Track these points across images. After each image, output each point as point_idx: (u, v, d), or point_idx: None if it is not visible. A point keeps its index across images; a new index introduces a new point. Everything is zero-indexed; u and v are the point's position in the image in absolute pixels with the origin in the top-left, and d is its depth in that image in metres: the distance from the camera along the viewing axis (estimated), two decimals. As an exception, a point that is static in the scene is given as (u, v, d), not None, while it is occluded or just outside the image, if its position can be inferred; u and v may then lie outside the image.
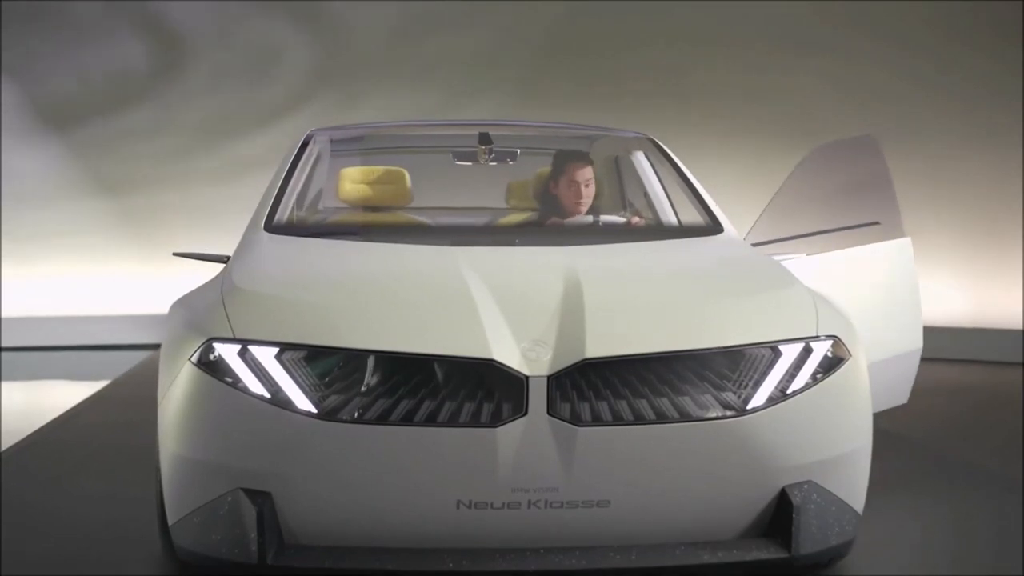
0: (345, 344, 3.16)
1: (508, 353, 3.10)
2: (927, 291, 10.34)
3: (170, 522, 3.33)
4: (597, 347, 3.13)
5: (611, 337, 3.18)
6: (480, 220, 5.67)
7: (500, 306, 3.27)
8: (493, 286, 3.39)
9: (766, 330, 3.32)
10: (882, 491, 4.81)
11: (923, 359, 10.12)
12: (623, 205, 5.61)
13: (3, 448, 5.83)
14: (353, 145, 5.62)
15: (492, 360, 3.08)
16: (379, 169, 5.15)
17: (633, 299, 3.40)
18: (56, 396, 8.55)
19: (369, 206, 5.13)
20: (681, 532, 3.24)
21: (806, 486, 3.28)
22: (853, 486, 3.45)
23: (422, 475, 3.10)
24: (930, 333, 10.11)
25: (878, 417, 3.83)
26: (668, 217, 4.99)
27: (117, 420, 6.31)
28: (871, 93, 10.56)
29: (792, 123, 10.56)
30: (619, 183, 5.62)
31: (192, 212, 10.67)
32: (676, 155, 5.10)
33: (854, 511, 3.44)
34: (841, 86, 10.65)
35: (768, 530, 3.29)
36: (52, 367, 10.15)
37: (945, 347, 10.04)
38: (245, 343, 3.19)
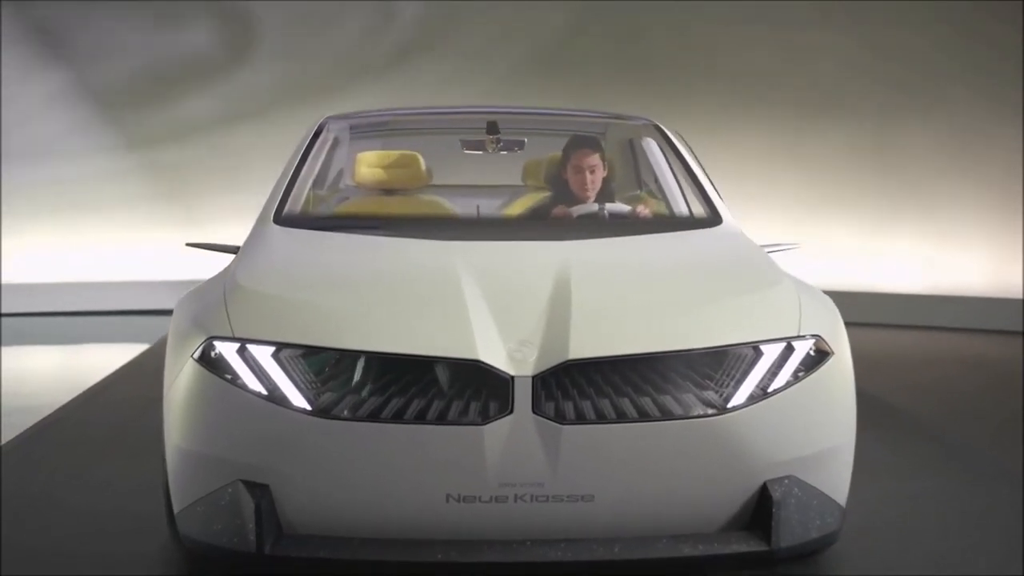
0: (339, 345, 3.27)
1: (495, 354, 3.21)
2: (945, 260, 10.51)
3: (175, 511, 3.47)
4: (580, 348, 3.22)
5: (594, 338, 3.26)
6: (494, 201, 5.77)
7: (490, 306, 3.37)
8: (485, 285, 3.49)
9: (748, 331, 3.38)
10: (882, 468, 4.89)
11: (933, 327, 10.10)
12: (638, 185, 5.68)
13: (32, 423, 6.08)
14: (367, 131, 5.72)
15: (479, 361, 3.18)
16: (394, 153, 5.25)
17: (619, 300, 3.48)
18: (99, 359, 8.85)
19: (384, 189, 5.25)
20: (664, 526, 3.32)
21: (787, 481, 3.36)
22: (836, 480, 3.52)
23: (413, 470, 3.21)
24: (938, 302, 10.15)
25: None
26: (676, 203, 5.03)
27: (146, 395, 6.51)
28: (892, 67, 10.62)
29: (818, 98, 10.64)
30: (634, 164, 5.68)
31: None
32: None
33: (837, 504, 3.51)
34: (865, 61, 10.68)
35: (750, 523, 3.37)
36: (95, 331, 10.47)
37: (955, 316, 10.14)
38: (244, 342, 3.32)
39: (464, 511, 3.23)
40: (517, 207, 5.38)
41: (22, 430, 5.91)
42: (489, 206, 5.72)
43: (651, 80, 10.93)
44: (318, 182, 5.51)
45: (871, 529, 4.25)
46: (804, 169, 10.87)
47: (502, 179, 6.38)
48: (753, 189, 10.84)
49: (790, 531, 3.35)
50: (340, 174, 5.97)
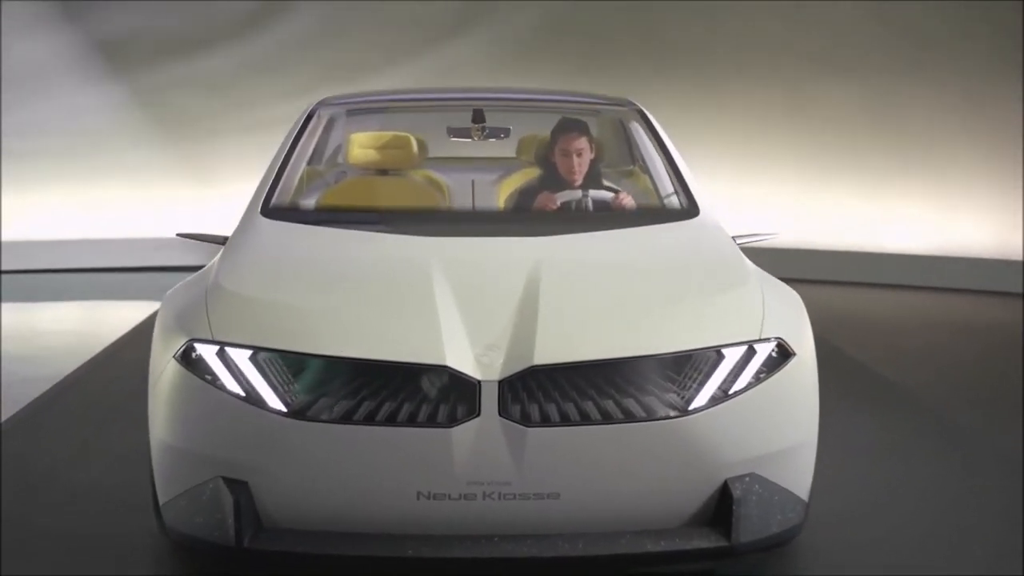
0: (313, 350, 3.39)
1: (462, 359, 3.32)
2: (946, 221, 10.56)
3: (160, 502, 3.63)
4: (545, 354, 3.33)
5: (559, 344, 3.36)
6: (488, 176, 5.85)
7: (460, 309, 3.48)
8: (457, 287, 3.60)
9: (710, 335, 3.47)
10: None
11: (933, 288, 10.11)
12: (632, 160, 5.74)
13: (52, 384, 6.30)
14: (359, 114, 5.80)
15: (446, 367, 3.30)
16: (387, 135, 5.34)
17: (585, 304, 3.57)
18: (116, 315, 9.06)
19: (378, 169, 5.36)
20: (628, 522, 3.44)
21: (748, 479, 3.46)
22: (798, 476, 3.63)
23: (385, 469, 3.34)
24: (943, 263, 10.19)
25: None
26: (662, 185, 5.08)
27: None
28: (895, 29, 10.60)
29: (821, 61, 10.65)
30: (627, 140, 5.74)
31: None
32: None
33: (799, 499, 3.62)
34: (869, 23, 10.66)
35: (712, 519, 3.48)
36: (111, 288, 10.65)
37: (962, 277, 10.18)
38: (222, 345, 3.45)
39: (434, 508, 3.36)
40: (509, 184, 5.46)
41: (48, 387, 6.21)
42: (483, 181, 5.80)
43: (656, 42, 10.94)
44: (316, 157, 5.63)
45: (848, 515, 4.34)
46: (807, 130, 10.89)
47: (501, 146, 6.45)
48: (757, 150, 10.89)
49: (750, 527, 3.46)
50: (338, 150, 6.07)
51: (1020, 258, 10.10)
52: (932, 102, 10.57)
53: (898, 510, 4.48)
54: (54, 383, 6.34)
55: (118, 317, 8.83)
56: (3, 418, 5.62)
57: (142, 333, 7.55)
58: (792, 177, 10.91)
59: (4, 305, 9.51)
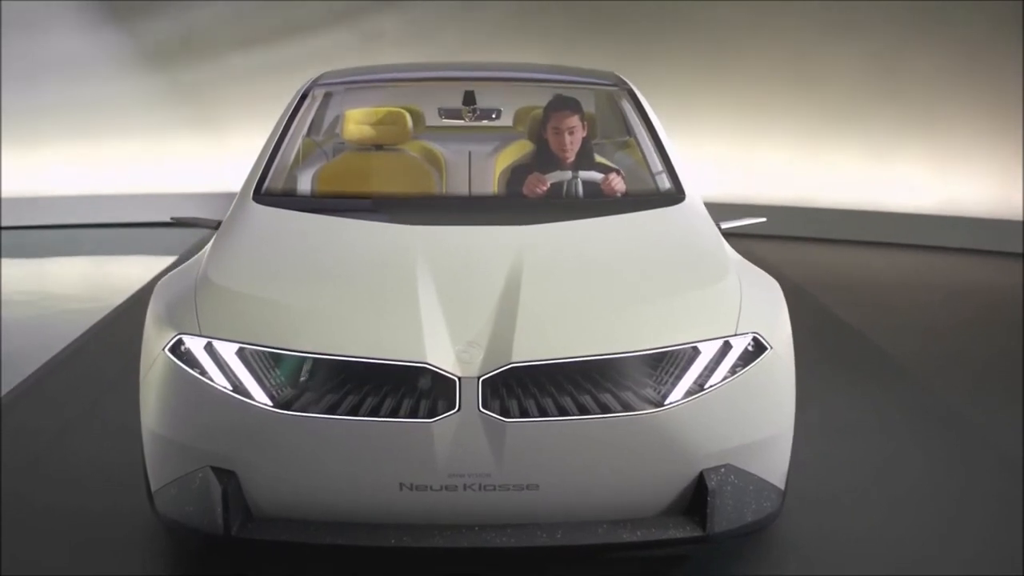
0: (299, 348, 3.47)
1: (443, 356, 3.40)
2: (948, 181, 10.54)
3: (152, 489, 3.74)
4: (523, 352, 3.40)
5: (537, 342, 3.44)
6: (484, 147, 5.89)
7: (443, 306, 3.56)
8: (440, 281, 3.68)
9: (687, 332, 3.54)
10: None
11: (934, 247, 9.99)
12: (627, 131, 5.76)
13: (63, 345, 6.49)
14: (355, 90, 5.83)
15: (427, 364, 3.38)
16: (381, 111, 5.38)
17: (564, 301, 3.63)
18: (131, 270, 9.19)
19: (374, 144, 5.41)
20: (606, 512, 3.54)
21: (723, 470, 3.55)
22: (774, 466, 3.71)
23: (368, 461, 3.44)
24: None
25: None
26: (653, 162, 5.10)
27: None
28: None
29: (822, 20, 10.58)
30: (621, 114, 5.75)
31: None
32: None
33: (775, 488, 3.70)
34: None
35: (688, 509, 3.57)
36: (127, 243, 10.76)
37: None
38: (210, 339, 3.54)
39: (417, 499, 3.46)
40: (504, 158, 5.49)
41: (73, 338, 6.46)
42: (479, 154, 5.84)
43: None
44: (314, 128, 5.67)
45: (824, 501, 4.40)
46: (808, 90, 10.85)
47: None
48: (757, 110, 10.86)
49: (725, 516, 3.55)
50: (336, 120, 6.11)
51: (1020, 218, 10.07)
52: (934, 61, 10.50)
53: (888, 492, 4.52)
54: (68, 341, 6.51)
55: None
56: (7, 386, 5.74)
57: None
58: (792, 137, 10.89)
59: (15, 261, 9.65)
